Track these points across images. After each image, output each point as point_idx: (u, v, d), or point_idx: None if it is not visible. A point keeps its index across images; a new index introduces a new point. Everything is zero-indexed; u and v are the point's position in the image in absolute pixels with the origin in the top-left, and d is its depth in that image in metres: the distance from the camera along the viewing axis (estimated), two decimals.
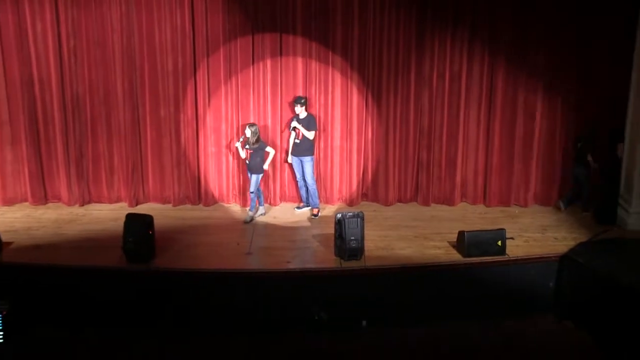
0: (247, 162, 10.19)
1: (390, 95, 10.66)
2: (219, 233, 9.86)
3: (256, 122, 10.43)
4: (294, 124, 10.26)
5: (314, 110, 10.60)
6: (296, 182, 10.74)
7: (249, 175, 10.24)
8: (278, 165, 10.85)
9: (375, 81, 10.62)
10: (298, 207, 10.73)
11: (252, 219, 10.23)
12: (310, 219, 10.40)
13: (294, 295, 8.48)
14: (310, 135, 10.26)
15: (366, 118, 10.76)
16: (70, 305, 8.39)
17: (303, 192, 10.67)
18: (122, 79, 10.45)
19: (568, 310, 8.65)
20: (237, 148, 10.28)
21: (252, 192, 10.20)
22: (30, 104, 10.58)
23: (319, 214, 10.49)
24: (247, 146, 10.11)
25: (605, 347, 7.88)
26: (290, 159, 10.55)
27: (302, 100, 10.23)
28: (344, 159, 10.92)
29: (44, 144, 10.76)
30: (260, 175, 10.19)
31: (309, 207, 10.62)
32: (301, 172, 10.48)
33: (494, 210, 10.85)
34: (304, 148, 10.35)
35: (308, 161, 10.37)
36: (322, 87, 10.65)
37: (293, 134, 10.36)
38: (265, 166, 10.16)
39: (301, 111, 10.24)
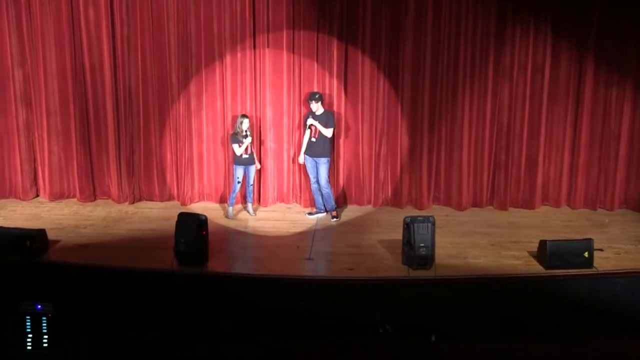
0: (247, 155, 10.12)
1: (465, 90, 10.47)
2: (277, 235, 9.81)
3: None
4: (310, 121, 10.11)
5: (375, 107, 10.52)
6: (309, 184, 10.50)
7: (246, 169, 10.13)
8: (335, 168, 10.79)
9: (450, 75, 10.43)
10: (310, 214, 10.46)
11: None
12: (367, 221, 10.23)
13: (357, 305, 8.32)
14: (328, 132, 10.04)
15: (438, 115, 10.57)
16: (118, 308, 8.32)
17: (318, 196, 10.36)
18: (178, 69, 10.49)
19: None
20: (247, 144, 10.12)
21: (252, 185, 10.32)
22: (81, 94, 10.63)
23: (339, 215, 10.31)
24: (246, 139, 10.08)
25: None
26: (302, 159, 10.33)
27: (317, 96, 10.04)
28: (413, 159, 10.73)
29: (95, 137, 10.82)
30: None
31: (325, 213, 10.37)
32: (315, 174, 10.26)
33: (580, 217, 10.57)
34: (319, 148, 10.16)
35: (323, 163, 10.17)
36: (391, 81, 10.45)
37: (308, 132, 10.17)
38: (240, 152, 10.09)
39: (317, 108, 10.04)
